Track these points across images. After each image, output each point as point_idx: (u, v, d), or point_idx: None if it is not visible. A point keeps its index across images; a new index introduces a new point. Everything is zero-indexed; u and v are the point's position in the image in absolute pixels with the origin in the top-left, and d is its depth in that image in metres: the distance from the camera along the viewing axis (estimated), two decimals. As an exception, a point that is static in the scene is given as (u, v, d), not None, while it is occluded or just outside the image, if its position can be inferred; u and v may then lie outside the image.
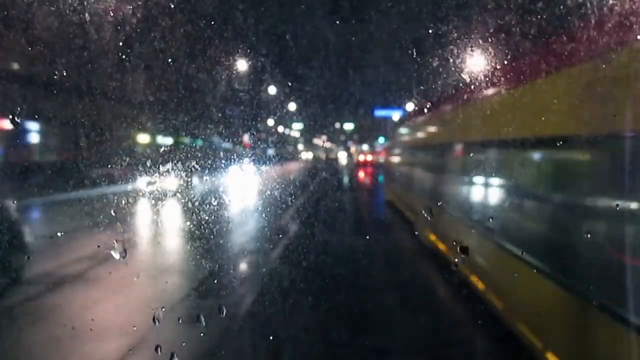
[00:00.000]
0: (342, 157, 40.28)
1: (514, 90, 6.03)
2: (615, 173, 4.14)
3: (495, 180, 6.83)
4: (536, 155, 5.67)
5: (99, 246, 7.59)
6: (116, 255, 5.45)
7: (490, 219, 6.46)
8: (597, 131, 4.22)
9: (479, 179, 7.42)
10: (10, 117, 5.39)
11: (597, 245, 4.22)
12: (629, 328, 3.62)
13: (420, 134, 13.16)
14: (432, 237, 8.64)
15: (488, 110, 6.97)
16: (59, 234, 9.67)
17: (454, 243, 4.28)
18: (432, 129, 11.66)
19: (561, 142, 4.86)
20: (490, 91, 6.74)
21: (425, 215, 8.44)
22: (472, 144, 7.73)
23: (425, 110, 11.41)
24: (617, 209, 3.96)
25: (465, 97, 7.79)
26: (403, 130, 16.53)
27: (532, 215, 5.65)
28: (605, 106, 4.05)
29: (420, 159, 12.46)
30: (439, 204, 8.57)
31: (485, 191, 7.17)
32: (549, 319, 4.73)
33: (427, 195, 10.49)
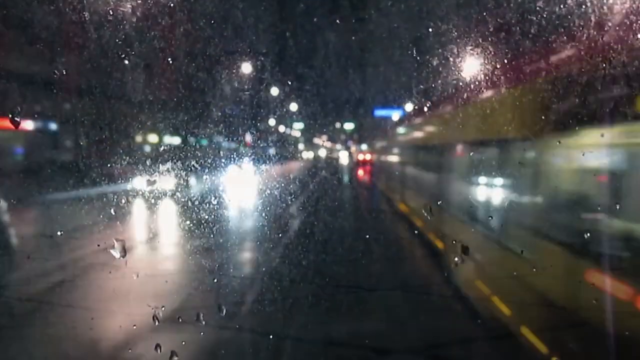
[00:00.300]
0: (344, 157, 40.53)
1: (444, 112, 10.02)
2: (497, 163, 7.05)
3: (433, 169, 10.91)
4: (454, 152, 9.35)
5: (98, 245, 7.61)
6: (116, 255, 5.45)
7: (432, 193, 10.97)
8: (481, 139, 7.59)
9: (428, 170, 11.75)
10: (10, 116, 5.38)
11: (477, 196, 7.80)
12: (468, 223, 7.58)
13: (396, 140, 18.64)
14: (402, 206, 14.20)
15: (427, 125, 12.67)
16: (59, 233, 9.72)
17: (453, 242, 5.46)
18: (402, 137, 17.22)
19: (480, 145, 7.77)
20: (429, 113, 11.53)
21: (398, 194, 15.18)
22: (424, 146, 12.76)
23: (399, 123, 18.19)
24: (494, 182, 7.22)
25: (417, 115, 13.34)
26: (387, 136, 22.33)
27: (444, 183, 9.80)
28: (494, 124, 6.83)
29: (397, 157, 17.87)
30: (406, 185, 14.26)
31: (429, 176, 11.51)
32: (440, 228, 8.69)
33: (401, 181, 15.63)
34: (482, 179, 7.63)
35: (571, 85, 4.70)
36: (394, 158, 19.10)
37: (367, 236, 10.32)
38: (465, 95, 7.07)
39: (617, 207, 4.33)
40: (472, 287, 6.37)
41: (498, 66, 5.75)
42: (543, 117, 5.19)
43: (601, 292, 4.09)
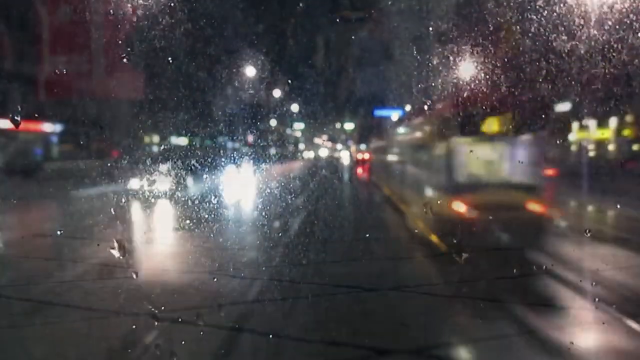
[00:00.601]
0: (345, 156, 41.24)
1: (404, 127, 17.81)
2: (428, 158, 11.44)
3: (403, 162, 15.97)
4: (410, 150, 14.95)
5: (98, 245, 7.59)
6: (116, 254, 5.45)
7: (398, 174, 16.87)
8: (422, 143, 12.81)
9: (402, 163, 16.21)
10: (10, 116, 5.39)
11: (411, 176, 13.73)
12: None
13: (388, 140, 23.76)
14: (387, 189, 19.26)
15: (401, 131, 18.77)
16: (58, 232, 9.73)
17: (453, 240, 6.69)
18: (391, 138, 22.60)
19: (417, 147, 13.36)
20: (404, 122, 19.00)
21: (386, 183, 20.30)
22: (400, 147, 18.21)
23: (391, 126, 23.82)
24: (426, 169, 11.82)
25: (399, 122, 21.60)
26: (382, 136, 27.38)
27: (406, 171, 14.76)
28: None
29: (389, 155, 22.56)
30: (389, 175, 19.86)
31: (402, 168, 15.89)
32: (396, 191, 16.04)
33: (387, 173, 21.28)
34: (418, 165, 12.96)
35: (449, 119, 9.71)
36: (387, 156, 24.22)
37: (359, 206, 16.74)
38: (411, 117, 15.18)
39: (456, 172, 9.29)
40: (401, 211, 13.70)
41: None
42: (435, 135, 10.74)
43: (448, 208, 9.04)
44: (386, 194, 18.19)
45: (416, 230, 10.68)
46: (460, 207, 8.87)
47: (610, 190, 12.57)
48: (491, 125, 9.42)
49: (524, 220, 8.38)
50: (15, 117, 6.19)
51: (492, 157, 9.23)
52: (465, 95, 8.19)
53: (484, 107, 8.61)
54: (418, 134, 13.65)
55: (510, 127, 9.35)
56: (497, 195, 8.77)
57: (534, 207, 8.70)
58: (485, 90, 7.62)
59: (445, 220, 8.59)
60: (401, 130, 18.90)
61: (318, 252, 8.67)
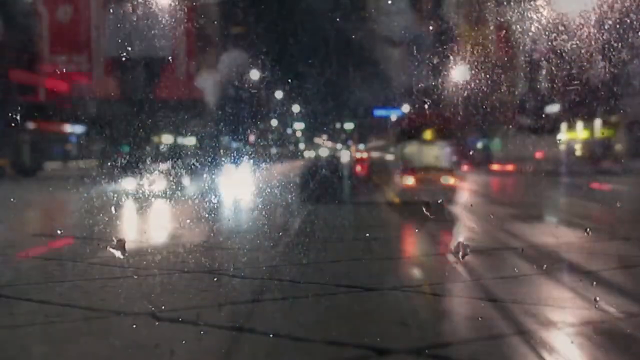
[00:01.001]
0: (345, 156, 42.33)
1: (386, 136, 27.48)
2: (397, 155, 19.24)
3: (389, 158, 23.93)
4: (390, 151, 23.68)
5: (98, 244, 7.59)
6: (116, 253, 5.45)
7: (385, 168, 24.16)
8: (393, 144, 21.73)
9: (391, 162, 21.76)
10: (10, 115, 5.39)
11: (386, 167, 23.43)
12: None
13: (378, 144, 29.93)
14: (377, 180, 24.24)
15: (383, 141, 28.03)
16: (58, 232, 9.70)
17: (457, 241, 7.85)
18: (380, 143, 28.95)
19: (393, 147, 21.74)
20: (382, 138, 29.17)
21: (378, 176, 25.50)
22: (385, 151, 26.37)
23: (387, 127, 28.58)
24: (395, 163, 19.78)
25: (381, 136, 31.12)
26: (375, 141, 34.09)
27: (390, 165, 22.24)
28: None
29: (380, 156, 28.26)
30: (382, 170, 24.76)
31: (391, 164, 21.42)
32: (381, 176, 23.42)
33: (382, 170, 25.63)
34: (393, 158, 19.67)
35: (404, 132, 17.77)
36: (381, 155, 28.91)
37: (355, 189, 23.09)
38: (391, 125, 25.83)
39: (407, 160, 16.42)
40: (377, 183, 22.75)
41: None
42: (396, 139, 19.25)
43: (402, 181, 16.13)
44: (375, 182, 24.88)
45: (386, 196, 18.30)
46: (408, 180, 15.49)
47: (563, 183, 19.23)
48: (427, 135, 16.16)
49: (442, 188, 14.38)
50: (15, 117, 6.20)
51: (426, 152, 15.94)
52: (412, 116, 16.99)
53: (424, 124, 15.90)
54: (391, 138, 21.90)
55: (437, 136, 16.03)
56: (428, 173, 15.01)
57: (448, 180, 14.83)
58: (427, 113, 14.82)
59: (400, 188, 15.96)
60: (388, 133, 26.43)
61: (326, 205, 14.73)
